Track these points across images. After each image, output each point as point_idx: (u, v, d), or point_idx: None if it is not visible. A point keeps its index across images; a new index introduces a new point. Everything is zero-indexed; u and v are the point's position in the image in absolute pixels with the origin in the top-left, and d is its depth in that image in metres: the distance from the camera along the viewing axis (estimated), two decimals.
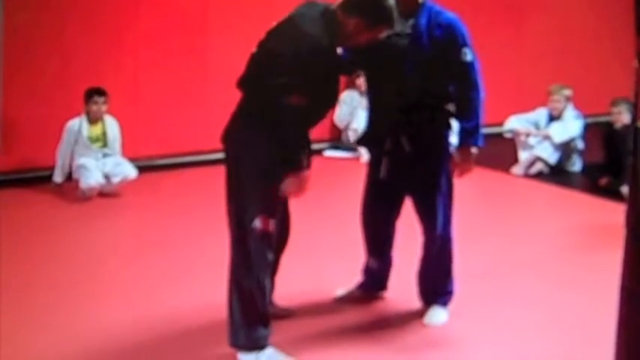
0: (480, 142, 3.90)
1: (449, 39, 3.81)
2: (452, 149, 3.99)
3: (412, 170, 3.95)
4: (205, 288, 4.49)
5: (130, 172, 6.60)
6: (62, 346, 3.79)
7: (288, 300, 4.15)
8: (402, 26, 3.82)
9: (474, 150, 3.91)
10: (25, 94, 6.86)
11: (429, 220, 4.01)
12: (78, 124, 6.58)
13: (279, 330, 3.74)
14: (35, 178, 6.87)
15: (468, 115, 3.85)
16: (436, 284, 4.13)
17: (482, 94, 3.87)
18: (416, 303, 4.20)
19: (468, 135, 3.87)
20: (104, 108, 6.62)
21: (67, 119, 6.61)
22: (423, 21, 3.82)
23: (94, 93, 6.58)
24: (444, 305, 4.13)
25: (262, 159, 3.45)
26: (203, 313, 4.15)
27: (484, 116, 3.89)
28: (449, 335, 3.98)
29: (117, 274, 4.85)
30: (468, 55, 3.82)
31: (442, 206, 3.98)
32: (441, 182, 3.96)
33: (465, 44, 3.82)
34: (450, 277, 4.12)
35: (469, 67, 3.82)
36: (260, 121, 3.44)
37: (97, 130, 6.64)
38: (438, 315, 4.09)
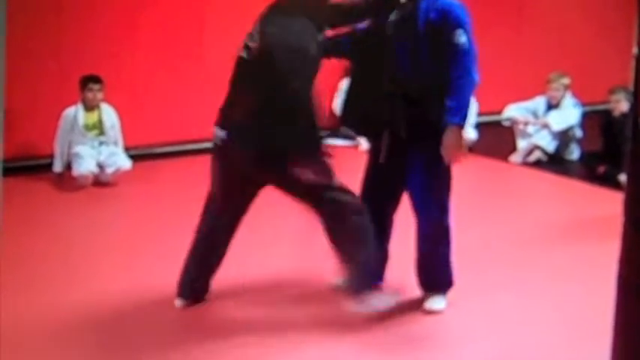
0: (460, 120, 3.78)
1: (443, 21, 3.77)
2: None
3: (409, 157, 3.93)
4: None
5: (124, 163, 6.58)
6: (59, 337, 3.81)
7: (284, 289, 4.16)
8: (401, 11, 3.81)
9: (462, 132, 3.81)
10: (25, 82, 6.83)
11: (426, 208, 3.99)
12: (74, 112, 6.56)
13: (273, 320, 3.75)
14: (36, 166, 6.87)
15: (452, 92, 3.76)
16: (435, 274, 4.11)
17: (474, 77, 3.79)
18: (412, 293, 4.19)
19: (449, 113, 3.76)
20: (100, 95, 6.59)
21: (65, 107, 6.60)
22: (422, 5, 3.80)
23: (89, 80, 6.55)
24: (443, 294, 4.12)
25: None
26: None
27: (475, 102, 3.84)
28: (444, 325, 3.98)
29: (111, 263, 4.86)
30: (462, 37, 3.75)
31: (439, 195, 3.97)
32: (439, 170, 3.93)
33: (459, 26, 3.76)
34: (449, 267, 4.10)
35: (461, 48, 3.75)
36: None
37: (93, 117, 6.62)
38: (437, 302, 4.08)
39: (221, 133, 3.78)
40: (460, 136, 3.82)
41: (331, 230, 3.83)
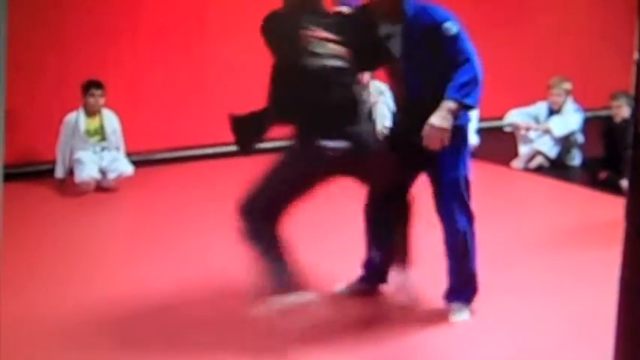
0: (460, 96, 3.56)
1: (429, 23, 3.70)
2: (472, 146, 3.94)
3: (436, 168, 3.87)
4: (202, 280, 4.52)
5: (126, 168, 6.59)
6: (58, 334, 3.82)
7: None
8: (391, 29, 3.79)
9: (451, 114, 3.59)
10: (26, 88, 6.85)
11: (449, 215, 3.91)
12: (75, 117, 6.56)
13: (275, 324, 3.76)
14: (36, 172, 6.88)
15: (453, 73, 3.61)
16: (462, 281, 4.07)
17: (475, 64, 3.64)
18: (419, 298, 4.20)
19: (448, 90, 3.58)
20: (101, 101, 6.60)
21: (67, 113, 6.61)
22: (410, 18, 3.75)
23: (91, 85, 6.56)
24: (467, 303, 4.07)
25: None
26: (198, 305, 4.19)
27: (482, 98, 3.62)
28: (450, 329, 3.98)
29: (110, 268, 4.86)
30: (452, 29, 3.66)
31: (462, 200, 3.91)
32: (459, 176, 3.86)
33: (445, 20, 3.68)
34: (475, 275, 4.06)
35: (455, 39, 3.65)
36: None
37: (94, 123, 6.63)
38: (463, 313, 4.05)
39: (339, 144, 3.64)
40: (447, 119, 3.59)
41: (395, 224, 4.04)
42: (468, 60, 3.64)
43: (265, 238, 3.74)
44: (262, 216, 3.72)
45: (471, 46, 3.71)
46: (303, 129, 3.74)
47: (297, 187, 3.79)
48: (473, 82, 3.63)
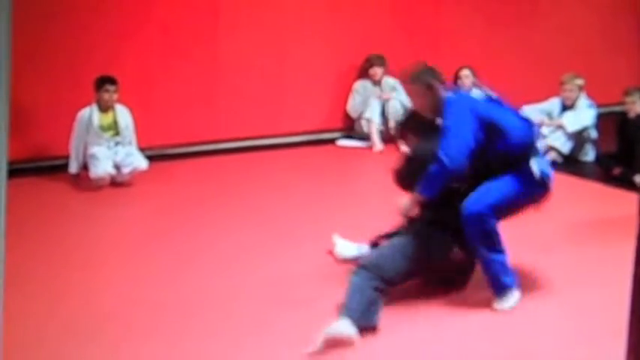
0: (419, 192, 4.14)
1: None
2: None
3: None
4: (212, 277, 4.55)
5: (141, 163, 6.62)
6: (64, 331, 3.84)
7: (302, 286, 4.16)
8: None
9: (417, 201, 4.19)
10: (38, 83, 6.89)
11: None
12: (88, 113, 6.59)
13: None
14: (49, 167, 6.93)
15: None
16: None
17: (443, 158, 4.02)
18: (429, 292, 4.20)
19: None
20: (115, 96, 6.62)
21: (80, 108, 6.64)
22: None
23: (105, 81, 6.58)
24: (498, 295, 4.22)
25: None
26: (209, 301, 4.21)
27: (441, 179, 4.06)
28: (459, 324, 3.99)
29: (123, 262, 4.89)
30: (439, 124, 4.21)
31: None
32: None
33: (440, 116, 4.20)
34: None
35: (441, 134, 4.14)
36: None
37: (108, 118, 6.66)
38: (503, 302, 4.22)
39: None
40: (414, 203, 4.22)
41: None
42: (440, 152, 4.05)
43: (378, 299, 3.91)
44: (378, 277, 3.94)
45: (450, 139, 4.08)
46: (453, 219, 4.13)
47: (425, 265, 4.17)
48: (434, 177, 4.11)
